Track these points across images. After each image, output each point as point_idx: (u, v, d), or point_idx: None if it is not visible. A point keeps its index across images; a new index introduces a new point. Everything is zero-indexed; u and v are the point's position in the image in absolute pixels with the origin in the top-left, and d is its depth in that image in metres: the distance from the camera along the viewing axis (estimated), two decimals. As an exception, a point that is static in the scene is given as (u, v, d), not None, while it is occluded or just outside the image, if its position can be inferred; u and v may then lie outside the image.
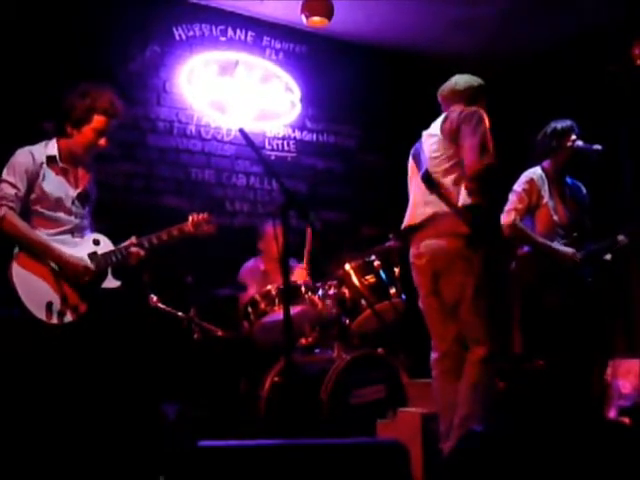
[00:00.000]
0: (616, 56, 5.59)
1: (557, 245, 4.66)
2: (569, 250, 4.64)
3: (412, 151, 4.17)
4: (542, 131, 4.89)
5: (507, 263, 4.91)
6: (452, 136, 3.85)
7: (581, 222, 4.80)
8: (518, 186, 4.78)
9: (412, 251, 4.00)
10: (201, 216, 4.26)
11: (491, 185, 3.78)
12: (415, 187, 4.05)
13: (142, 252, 4.05)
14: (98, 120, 3.91)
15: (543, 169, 4.82)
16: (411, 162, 4.16)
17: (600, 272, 4.74)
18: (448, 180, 3.84)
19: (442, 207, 3.81)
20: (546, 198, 4.74)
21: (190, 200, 5.88)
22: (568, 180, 4.90)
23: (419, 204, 3.96)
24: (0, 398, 3.66)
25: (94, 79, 4.09)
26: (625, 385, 5.15)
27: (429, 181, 3.91)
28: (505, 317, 6.40)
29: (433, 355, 3.97)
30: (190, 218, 4.24)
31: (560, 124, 4.82)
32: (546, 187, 4.76)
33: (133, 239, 4.07)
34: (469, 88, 4.09)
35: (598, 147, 4.74)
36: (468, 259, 3.75)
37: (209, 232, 4.29)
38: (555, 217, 4.72)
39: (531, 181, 4.76)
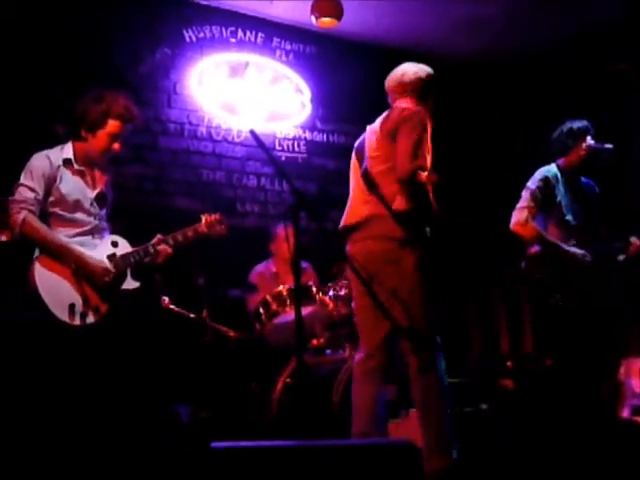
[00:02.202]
0: (620, 54, 5.58)
1: (568, 247, 4.63)
2: (580, 252, 4.61)
3: (356, 144, 4.01)
4: (558, 129, 4.85)
5: (516, 262, 4.89)
6: (391, 136, 3.69)
7: (594, 222, 4.78)
8: (532, 184, 4.74)
9: (348, 250, 3.86)
10: (213, 217, 4.29)
11: (423, 190, 3.62)
12: (355, 184, 3.92)
13: (170, 250, 4.08)
14: (113, 125, 3.94)
15: (558, 167, 4.79)
16: (353, 156, 3.99)
17: (613, 273, 4.71)
18: (386, 182, 3.70)
19: (380, 209, 3.68)
20: (559, 197, 4.71)
21: (201, 201, 5.89)
22: (582, 179, 4.88)
23: (358, 203, 3.83)
24: (26, 399, 3.68)
25: (104, 82, 4.12)
26: (638, 384, 5.14)
27: (368, 180, 3.78)
28: (481, 321, 6.41)
29: (357, 355, 3.86)
30: (203, 219, 4.26)
31: (577, 124, 4.78)
32: (560, 186, 4.73)
33: (159, 237, 4.09)
34: (417, 80, 3.89)
35: (609, 146, 4.72)
36: (401, 263, 3.63)
37: (221, 233, 4.32)
38: (568, 216, 4.70)
39: (545, 179, 4.72)
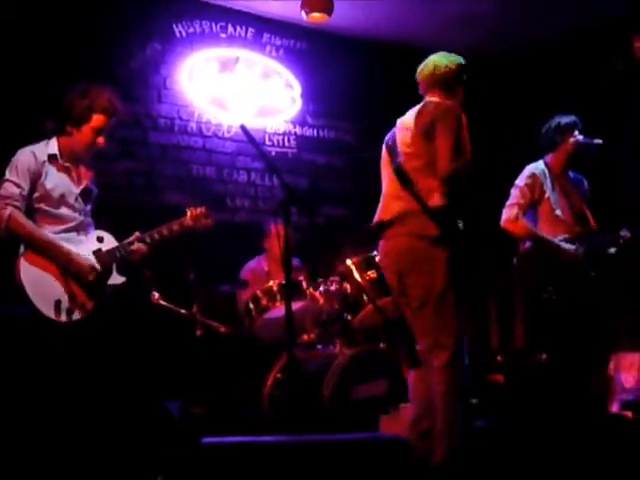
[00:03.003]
0: (616, 50, 5.59)
1: (559, 241, 4.65)
2: (571, 247, 4.62)
3: (386, 138, 3.95)
4: (546, 125, 4.87)
5: (509, 259, 4.91)
6: (426, 132, 3.66)
7: (583, 216, 4.79)
8: (520, 181, 4.76)
9: (380, 247, 3.85)
10: (199, 210, 4.29)
11: (464, 187, 3.62)
12: (388, 179, 3.87)
13: (144, 248, 4.07)
14: (97, 119, 3.92)
15: (545, 163, 4.80)
16: (384, 151, 3.95)
17: (604, 266, 4.72)
18: (420, 178, 3.67)
19: (413, 205, 3.65)
20: (548, 192, 4.72)
21: (191, 197, 5.87)
22: (570, 174, 4.90)
23: (391, 198, 3.79)
24: (12, 397, 3.67)
25: (95, 77, 4.10)
26: (628, 379, 5.16)
27: (402, 176, 3.74)
28: (472, 317, 6.42)
29: (417, 346, 3.79)
30: (189, 212, 4.26)
31: (564, 119, 4.80)
32: (548, 181, 4.75)
33: (137, 234, 4.08)
34: (448, 72, 3.85)
35: (599, 141, 4.74)
36: (433, 261, 3.60)
37: (207, 225, 4.32)
38: (557, 211, 4.72)
39: (533, 176, 4.74)
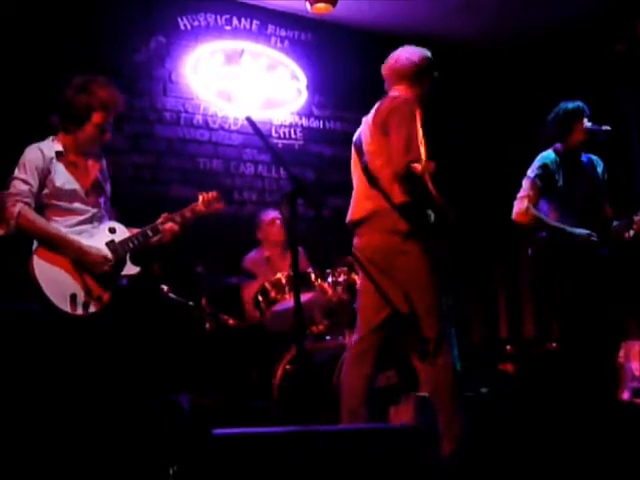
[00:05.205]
0: (621, 35, 5.56)
1: (572, 228, 4.61)
2: (584, 232, 4.58)
3: (354, 139, 3.98)
4: (552, 113, 4.83)
5: (524, 249, 4.88)
6: (382, 128, 3.68)
7: (597, 202, 4.75)
8: (531, 172, 4.73)
9: (355, 244, 3.85)
10: (210, 194, 4.30)
11: (419, 182, 3.60)
12: (357, 179, 3.90)
13: (176, 227, 4.09)
14: (97, 116, 3.89)
15: (556, 152, 4.76)
16: (353, 151, 3.97)
17: (617, 252, 4.69)
18: (384, 175, 3.68)
19: (382, 203, 3.67)
20: (560, 181, 4.69)
21: (198, 190, 5.80)
22: (584, 158, 4.84)
23: (361, 198, 3.82)
24: (32, 391, 3.68)
25: (99, 71, 4.07)
26: (638, 367, 5.15)
27: (369, 175, 3.76)
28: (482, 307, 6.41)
29: (352, 338, 3.87)
30: (200, 197, 4.27)
31: (570, 105, 4.77)
32: (560, 171, 4.71)
33: (165, 215, 4.10)
34: (410, 65, 3.86)
35: (607, 127, 4.70)
36: (407, 255, 3.63)
37: (219, 209, 4.33)
38: (571, 200, 4.68)
39: (544, 166, 4.71)
